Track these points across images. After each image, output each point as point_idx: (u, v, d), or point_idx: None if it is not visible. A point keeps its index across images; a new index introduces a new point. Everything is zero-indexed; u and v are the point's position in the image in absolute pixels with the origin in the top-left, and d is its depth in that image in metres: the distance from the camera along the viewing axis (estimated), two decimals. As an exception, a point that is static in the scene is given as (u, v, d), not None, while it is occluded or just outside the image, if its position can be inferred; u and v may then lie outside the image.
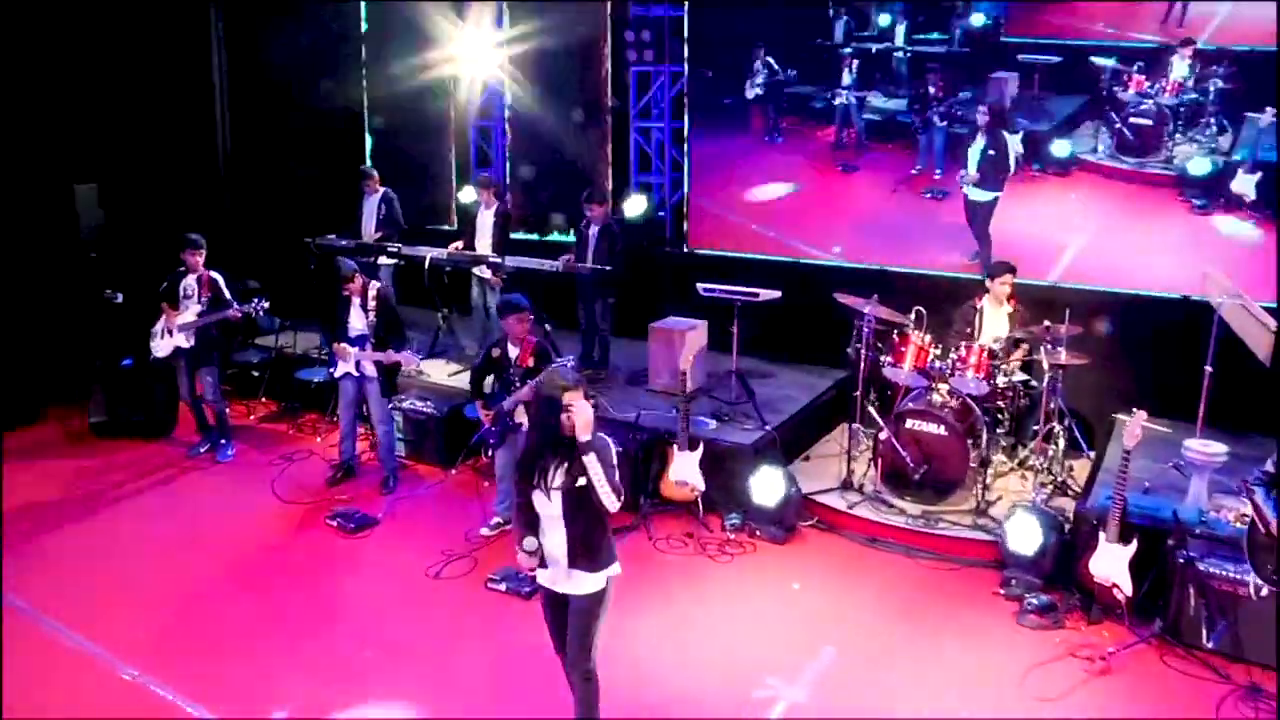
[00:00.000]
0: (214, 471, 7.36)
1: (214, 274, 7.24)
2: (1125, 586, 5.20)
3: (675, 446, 6.50)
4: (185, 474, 7.28)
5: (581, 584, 3.83)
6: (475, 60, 9.90)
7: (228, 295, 7.22)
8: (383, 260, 9.03)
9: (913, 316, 6.62)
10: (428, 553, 6.06)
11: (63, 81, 8.40)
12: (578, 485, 3.69)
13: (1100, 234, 7.48)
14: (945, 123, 7.92)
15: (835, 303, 6.77)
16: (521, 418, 6.07)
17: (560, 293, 8.33)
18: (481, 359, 6.33)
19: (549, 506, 3.77)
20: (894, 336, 6.63)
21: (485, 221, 8.50)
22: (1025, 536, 5.66)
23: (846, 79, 8.31)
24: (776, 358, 8.41)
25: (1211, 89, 6.95)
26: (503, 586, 5.63)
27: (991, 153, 7.73)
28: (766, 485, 6.29)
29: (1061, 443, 6.59)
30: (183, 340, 7.21)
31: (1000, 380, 6.51)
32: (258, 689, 4.76)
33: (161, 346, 7.30)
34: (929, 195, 8.11)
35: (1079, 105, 7.50)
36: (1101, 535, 5.28)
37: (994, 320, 6.87)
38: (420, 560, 5.99)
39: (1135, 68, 7.18)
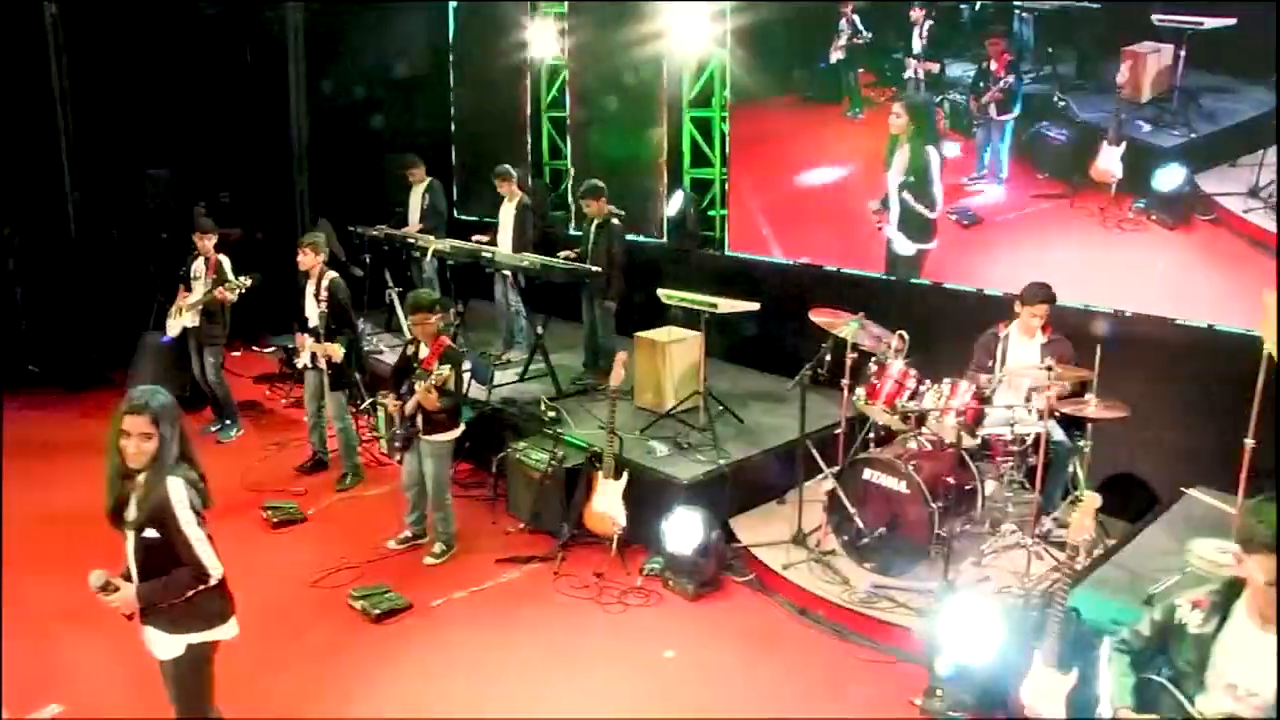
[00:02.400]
0: (209, 451, 7.35)
1: (220, 256, 7.34)
2: (1061, 731, 3.79)
3: (600, 473, 5.72)
4: (178, 451, 7.43)
5: (157, 644, 3.29)
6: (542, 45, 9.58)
7: (231, 278, 7.29)
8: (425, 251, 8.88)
9: (894, 342, 5.36)
10: (327, 558, 5.73)
11: (145, 76, 8.90)
12: (146, 535, 3.13)
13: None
14: (1003, 114, 6.26)
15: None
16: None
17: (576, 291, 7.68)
18: (400, 355, 5.91)
19: (127, 552, 3.24)
20: (872, 365, 5.41)
21: (506, 215, 8.07)
22: (957, 634, 4.31)
23: (916, 45, 6.78)
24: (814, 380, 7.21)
25: None
26: (358, 605, 5.17)
27: (912, 179, 5.94)
28: (682, 530, 5.32)
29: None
30: (189, 319, 7.40)
31: (1000, 430, 5.08)
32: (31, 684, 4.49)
33: (174, 326, 7.55)
34: (954, 217, 6.52)
35: (1264, 109, 5.07)
36: (1037, 656, 3.90)
37: (1022, 353, 5.39)
38: (316, 564, 5.66)
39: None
